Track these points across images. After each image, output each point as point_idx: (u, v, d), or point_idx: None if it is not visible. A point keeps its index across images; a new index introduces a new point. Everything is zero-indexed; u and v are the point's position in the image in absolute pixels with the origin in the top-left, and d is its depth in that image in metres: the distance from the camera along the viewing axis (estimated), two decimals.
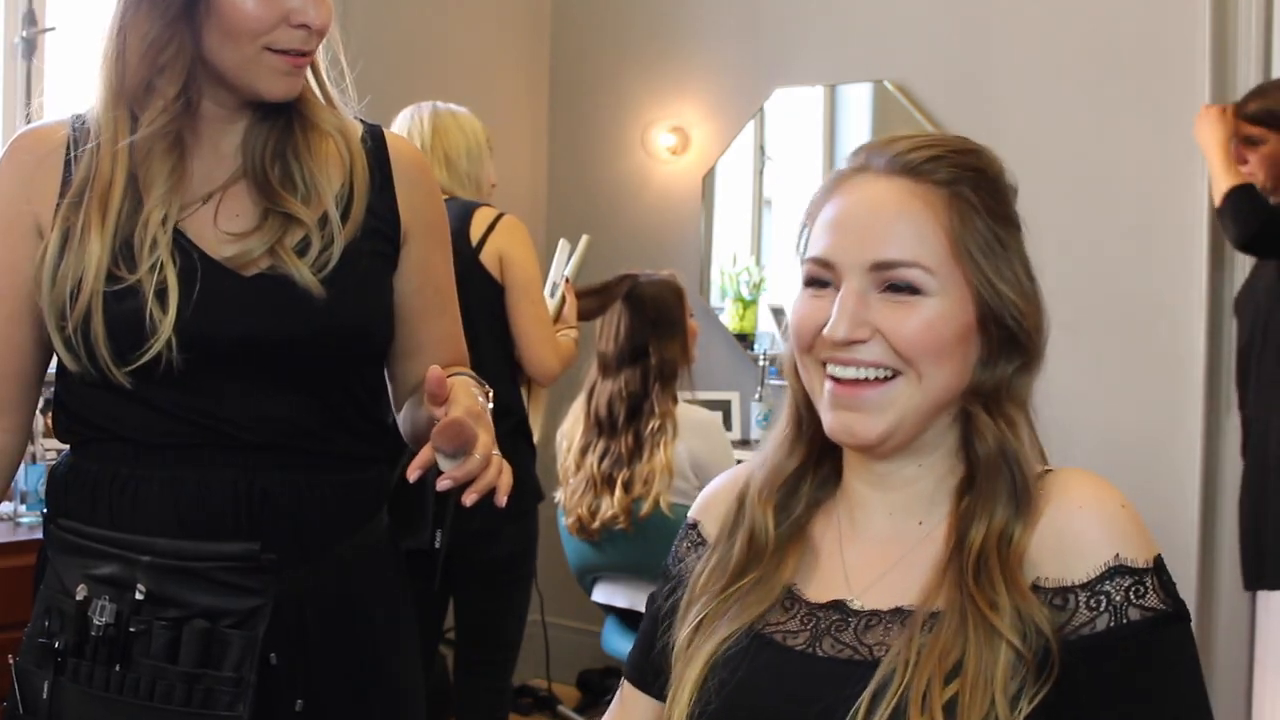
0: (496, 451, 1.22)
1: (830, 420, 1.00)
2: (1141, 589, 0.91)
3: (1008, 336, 1.00)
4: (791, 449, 1.09)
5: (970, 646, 0.91)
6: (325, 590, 1.29)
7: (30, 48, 3.04)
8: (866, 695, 0.92)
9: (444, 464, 1.18)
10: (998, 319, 0.99)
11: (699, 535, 1.16)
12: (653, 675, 1.12)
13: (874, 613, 0.99)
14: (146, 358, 1.20)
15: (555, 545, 3.29)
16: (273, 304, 1.24)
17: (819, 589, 1.04)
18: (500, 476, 1.23)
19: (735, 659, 1.01)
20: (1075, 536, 0.94)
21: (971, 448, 1.01)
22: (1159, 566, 0.93)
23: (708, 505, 1.17)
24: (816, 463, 1.08)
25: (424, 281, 1.37)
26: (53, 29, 3.08)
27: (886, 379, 0.98)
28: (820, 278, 1.01)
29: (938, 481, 1.03)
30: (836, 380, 0.99)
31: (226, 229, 1.25)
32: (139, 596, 1.20)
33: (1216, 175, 2.75)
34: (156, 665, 1.19)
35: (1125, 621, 0.91)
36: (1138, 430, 3.23)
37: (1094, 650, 0.91)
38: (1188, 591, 3.13)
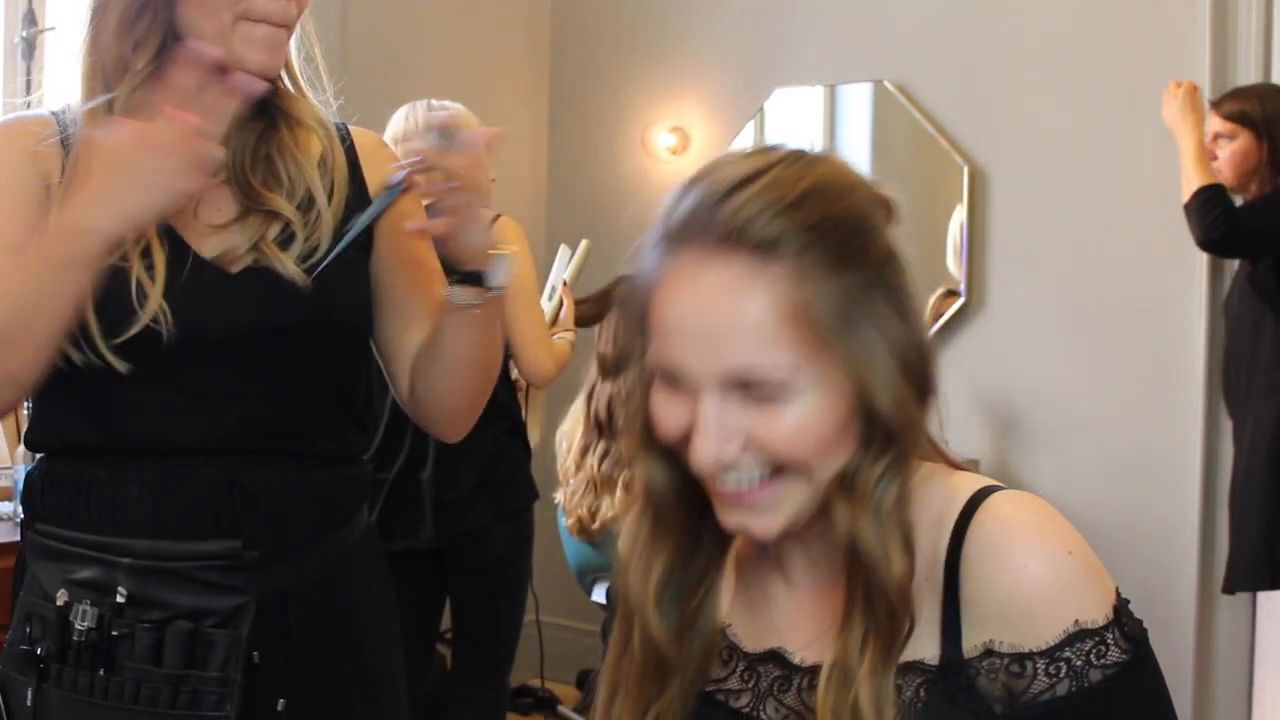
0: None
1: (723, 518, 0.90)
2: (1102, 649, 0.86)
3: (881, 430, 0.87)
4: (655, 548, 0.95)
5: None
6: (307, 588, 1.28)
7: (30, 48, 3.04)
8: None
9: (425, 138, 1.21)
10: (868, 401, 0.86)
11: None
12: None
13: (815, 668, 0.91)
14: (136, 328, 1.18)
15: (555, 545, 3.29)
16: (258, 297, 1.24)
17: (754, 635, 0.97)
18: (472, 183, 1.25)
19: None
20: (1026, 602, 0.86)
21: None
22: (1118, 613, 0.87)
23: None
24: (700, 521, 0.95)
25: (400, 260, 1.38)
26: (53, 29, 3.08)
27: (770, 479, 0.87)
28: (670, 383, 0.89)
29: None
30: (720, 490, 0.89)
31: (207, 221, 1.26)
32: (120, 599, 1.19)
33: (1187, 169, 2.78)
34: (141, 668, 1.18)
35: (1086, 685, 0.85)
36: (1137, 431, 3.23)
37: (1055, 715, 0.86)
38: (1188, 593, 3.14)
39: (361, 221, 1.22)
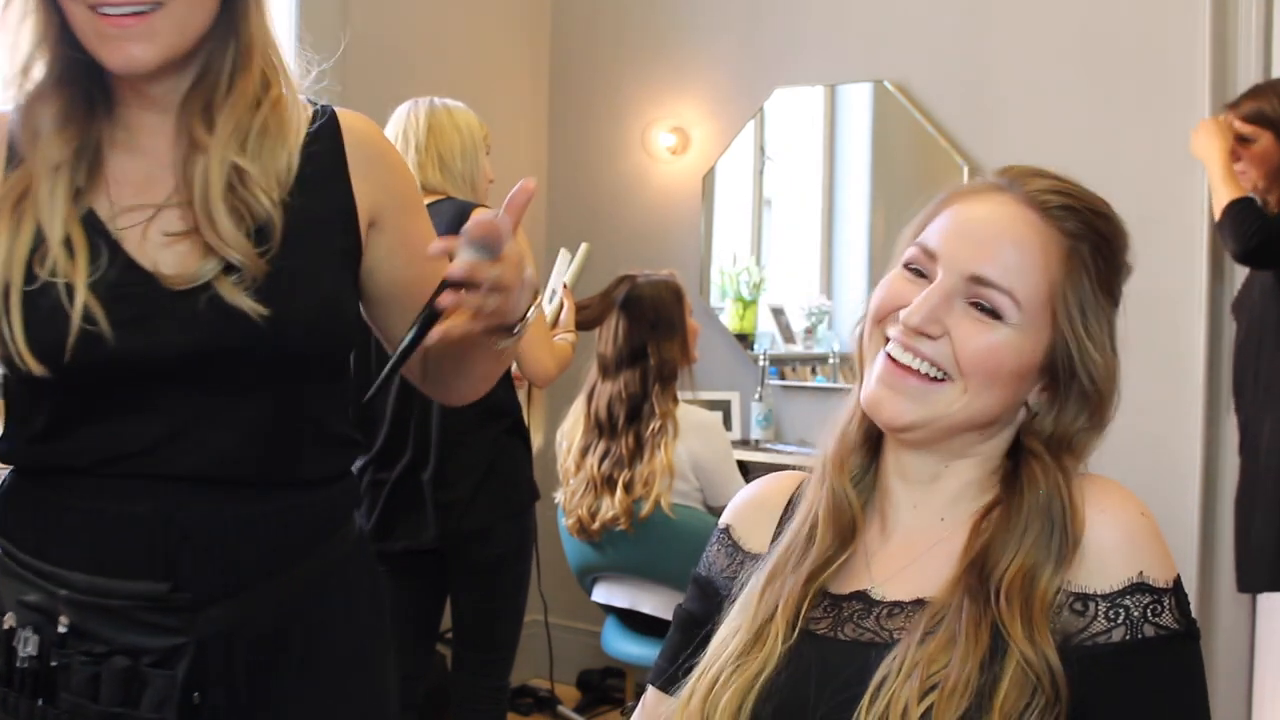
0: (530, 270, 1.15)
1: (870, 391, 1.04)
2: (1159, 608, 0.95)
3: (1082, 393, 1.04)
4: (854, 422, 1.11)
5: (957, 659, 0.94)
6: (260, 626, 1.19)
7: None
8: (869, 690, 0.95)
9: (464, 253, 1.09)
10: (1075, 374, 1.03)
11: (730, 539, 1.18)
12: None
13: (896, 603, 1.02)
14: (74, 344, 1.10)
15: (555, 545, 3.29)
16: (210, 319, 1.14)
17: (842, 581, 1.07)
18: (515, 274, 1.12)
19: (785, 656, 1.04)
20: (1098, 545, 0.97)
21: (1017, 481, 1.03)
22: (1177, 587, 0.97)
23: (744, 511, 1.19)
24: (876, 448, 1.11)
25: (411, 254, 1.29)
26: None
27: (936, 379, 1.01)
28: (920, 266, 1.04)
29: (962, 486, 1.07)
30: (892, 359, 1.02)
31: (158, 236, 1.16)
32: (62, 629, 1.14)
33: (1216, 187, 2.77)
34: (77, 701, 1.13)
35: (1140, 637, 0.94)
36: (1137, 430, 3.22)
37: (1106, 660, 0.94)
38: (1188, 591, 3.14)
39: (397, 354, 1.11)
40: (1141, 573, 0.96)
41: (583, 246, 2.93)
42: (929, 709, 0.92)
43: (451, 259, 1.09)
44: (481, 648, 2.69)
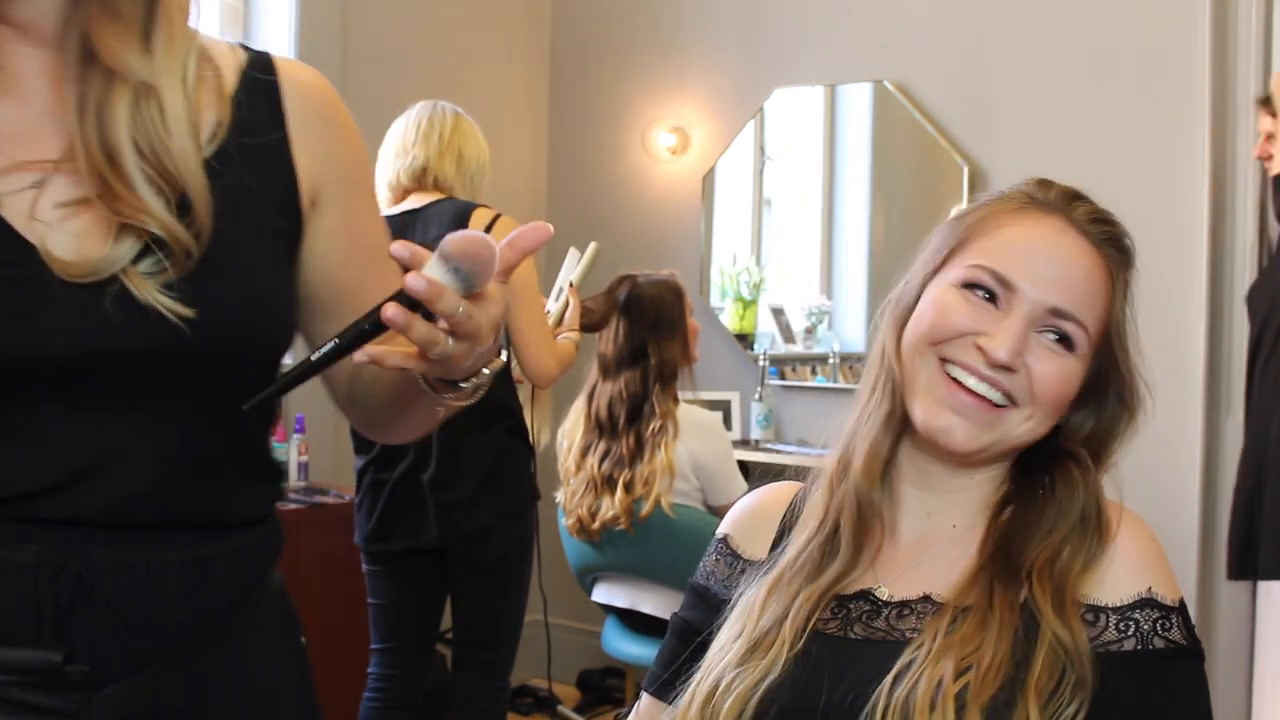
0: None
1: (933, 416, 1.03)
2: (1167, 623, 0.98)
3: (1119, 397, 1.09)
4: (888, 426, 1.10)
5: (990, 638, 0.96)
6: (169, 703, 0.94)
7: None
8: (892, 673, 0.97)
9: (434, 268, 0.82)
10: (1120, 384, 1.08)
11: (729, 548, 1.18)
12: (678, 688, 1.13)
13: (904, 602, 1.04)
14: None
15: (556, 545, 3.29)
16: (119, 319, 0.88)
17: (848, 581, 1.08)
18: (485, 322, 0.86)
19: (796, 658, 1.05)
20: (1112, 562, 1.01)
21: (1035, 477, 1.07)
22: (1183, 609, 1.00)
23: (743, 520, 1.20)
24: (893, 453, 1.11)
25: (354, 246, 1.04)
26: None
27: (1004, 406, 1.03)
28: (988, 288, 1.05)
29: (983, 495, 1.08)
30: (961, 385, 1.03)
31: (48, 212, 0.89)
32: None
33: None
34: None
35: (1150, 648, 0.97)
36: (1137, 430, 3.23)
37: (1118, 667, 0.97)
38: (1187, 590, 3.13)
39: (307, 363, 0.85)
40: (1151, 588, 0.99)
41: (592, 246, 2.92)
42: (964, 689, 0.94)
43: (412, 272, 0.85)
44: (482, 648, 2.69)
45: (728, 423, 3.76)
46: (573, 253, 2.98)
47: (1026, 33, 3.41)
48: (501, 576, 2.65)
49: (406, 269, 0.83)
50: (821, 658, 1.03)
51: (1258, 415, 2.78)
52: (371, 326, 0.83)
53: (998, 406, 1.03)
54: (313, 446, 3.31)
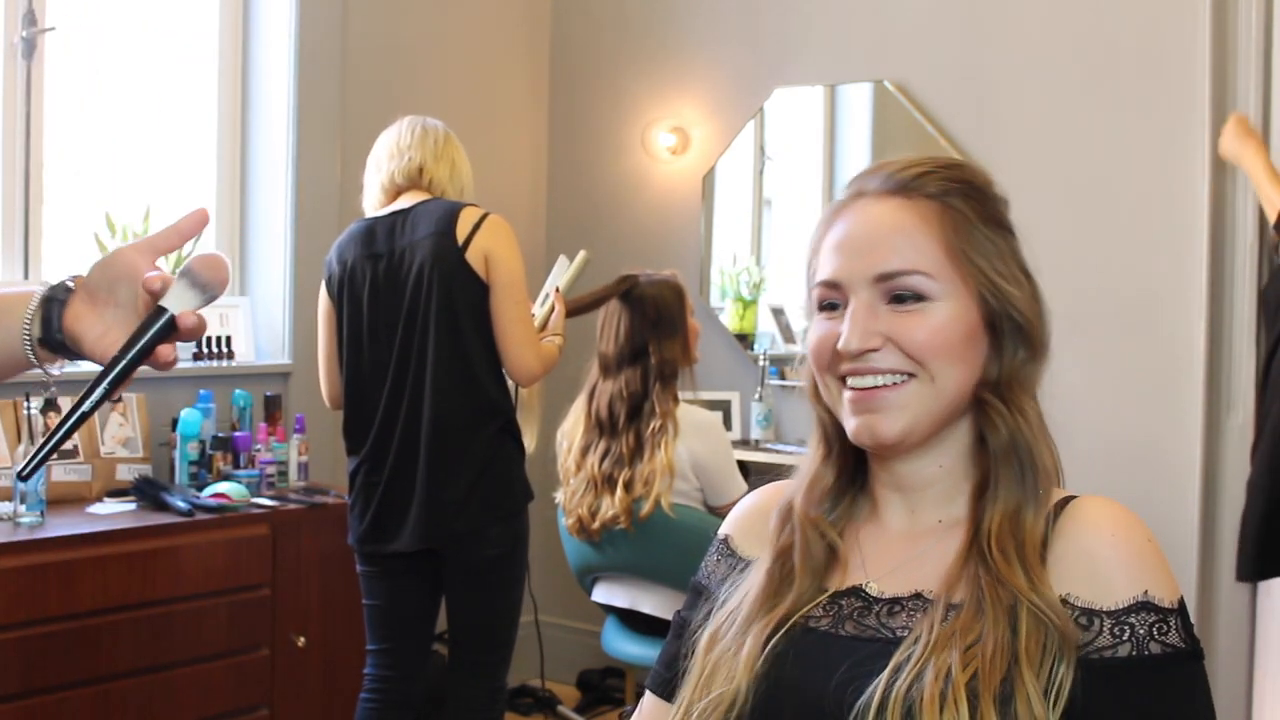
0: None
1: (853, 426, 1.05)
2: (1164, 627, 0.96)
3: (1015, 329, 1.06)
4: (826, 468, 1.14)
5: (989, 624, 0.95)
6: None
7: (30, 48, 3.04)
8: (889, 667, 0.96)
9: (185, 298, 0.91)
10: (1003, 315, 1.05)
11: (729, 548, 1.20)
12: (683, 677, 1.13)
13: (895, 599, 1.04)
14: None
15: (555, 545, 3.29)
16: None
17: (838, 578, 1.09)
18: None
19: (775, 649, 1.05)
20: (1105, 563, 0.98)
21: (986, 442, 1.06)
22: (1182, 609, 0.98)
23: (743, 521, 1.21)
24: (851, 478, 1.14)
25: None
26: (53, 29, 3.08)
27: (901, 382, 1.03)
28: (830, 300, 1.07)
29: (957, 482, 1.08)
30: (855, 389, 1.05)
31: None
32: None
33: (1265, 193, 2.76)
34: None
35: (1146, 654, 0.95)
36: (1138, 430, 3.23)
37: (1113, 675, 0.95)
38: (1188, 590, 3.14)
39: (99, 393, 0.90)
40: (1147, 591, 0.97)
41: (581, 254, 2.94)
42: (974, 677, 0.93)
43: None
44: (478, 649, 2.69)
45: (728, 423, 3.76)
46: (562, 260, 2.99)
47: (1026, 33, 3.41)
48: (496, 578, 2.64)
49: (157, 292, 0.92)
50: (811, 650, 1.03)
51: (1271, 414, 2.77)
52: (169, 315, 0.90)
53: (895, 385, 1.03)
54: (312, 446, 3.31)
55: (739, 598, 1.11)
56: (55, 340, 0.94)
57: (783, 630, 1.05)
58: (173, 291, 0.91)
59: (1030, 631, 0.95)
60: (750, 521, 1.19)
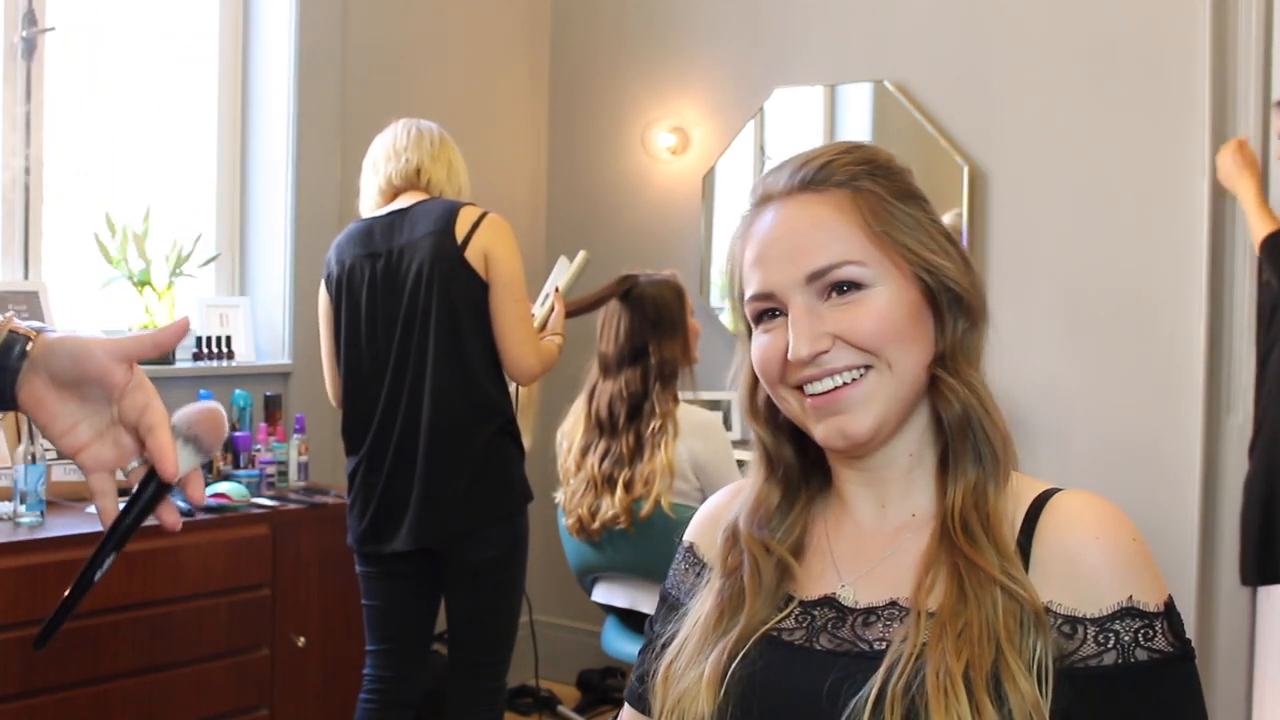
0: None
1: (821, 431, 1.02)
2: (1150, 632, 0.94)
3: (953, 300, 1.04)
4: (770, 487, 1.11)
5: (973, 608, 0.94)
6: None
7: (30, 48, 3.04)
8: (883, 667, 0.94)
9: (184, 460, 0.90)
10: (940, 289, 1.03)
11: (695, 557, 1.17)
12: (651, 699, 1.12)
13: (870, 609, 1.01)
14: None
15: (555, 545, 3.29)
16: None
17: (809, 585, 1.06)
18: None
19: (744, 662, 1.03)
20: (1089, 568, 0.95)
21: (941, 420, 1.04)
22: (1169, 609, 0.96)
23: (704, 528, 1.18)
24: (804, 484, 1.12)
25: None
26: (53, 29, 3.08)
27: (859, 378, 1.01)
28: (766, 310, 1.05)
29: (926, 474, 1.06)
30: (815, 395, 1.02)
31: None
32: None
33: (1252, 221, 2.82)
34: None
35: (1132, 661, 0.93)
36: (1138, 430, 3.23)
37: (1097, 683, 0.93)
38: (1187, 590, 3.14)
39: (123, 527, 0.91)
40: (1131, 597, 0.94)
41: (581, 254, 2.94)
42: (968, 666, 0.92)
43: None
44: (477, 649, 2.69)
45: (728, 423, 3.75)
46: (562, 260, 2.99)
47: (1026, 33, 3.41)
48: (495, 578, 2.64)
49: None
50: (789, 666, 1.01)
51: (1268, 419, 2.78)
52: (165, 483, 0.89)
53: (854, 382, 1.01)
54: (313, 446, 3.31)
55: (690, 624, 1.09)
56: (5, 401, 0.89)
57: (748, 645, 1.03)
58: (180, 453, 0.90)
59: (1007, 609, 0.93)
60: (714, 526, 1.16)
